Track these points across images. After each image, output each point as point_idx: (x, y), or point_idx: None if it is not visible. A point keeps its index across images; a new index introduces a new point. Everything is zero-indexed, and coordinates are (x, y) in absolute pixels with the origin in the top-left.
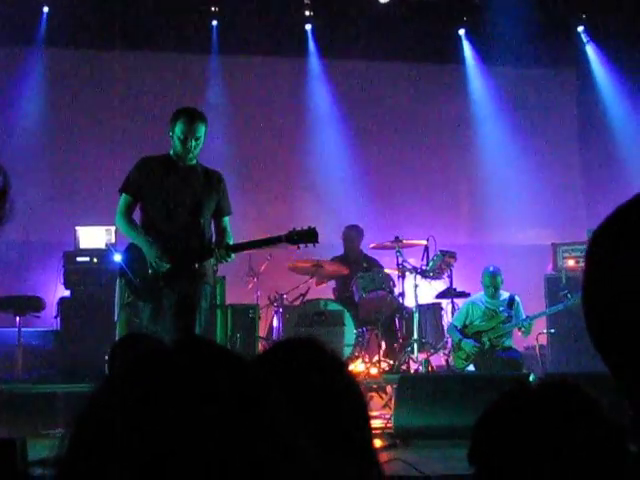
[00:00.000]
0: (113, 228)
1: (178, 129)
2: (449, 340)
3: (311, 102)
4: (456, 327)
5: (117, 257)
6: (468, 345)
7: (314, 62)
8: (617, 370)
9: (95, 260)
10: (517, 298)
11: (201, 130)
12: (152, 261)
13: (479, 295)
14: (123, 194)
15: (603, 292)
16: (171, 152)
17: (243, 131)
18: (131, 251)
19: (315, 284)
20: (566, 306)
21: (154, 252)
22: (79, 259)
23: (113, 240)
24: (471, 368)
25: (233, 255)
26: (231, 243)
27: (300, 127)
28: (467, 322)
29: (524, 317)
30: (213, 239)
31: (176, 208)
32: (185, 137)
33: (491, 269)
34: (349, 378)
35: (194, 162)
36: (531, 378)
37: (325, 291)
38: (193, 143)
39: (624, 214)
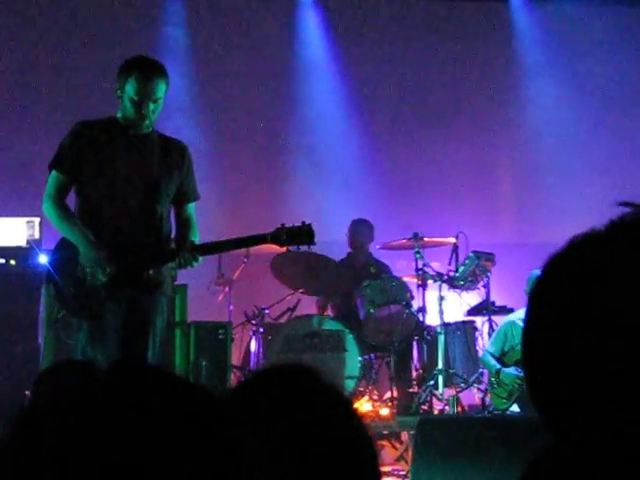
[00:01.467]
0: (37, 220)
1: (130, 88)
2: (486, 371)
3: (303, 50)
4: (492, 355)
5: (43, 258)
6: (509, 377)
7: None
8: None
9: (12, 262)
10: None
11: (161, 89)
12: (90, 265)
13: (521, 312)
14: (53, 171)
15: (545, 336)
16: (119, 115)
17: (215, 89)
18: (63, 250)
19: (317, 308)
20: None
21: (94, 252)
22: None
23: (37, 235)
24: (515, 409)
25: (200, 258)
26: (197, 240)
27: (290, 86)
28: (506, 348)
29: None
30: (172, 234)
31: (125, 191)
32: (140, 99)
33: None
34: (355, 421)
35: (150, 129)
36: None
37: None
38: (151, 106)
39: (572, 254)
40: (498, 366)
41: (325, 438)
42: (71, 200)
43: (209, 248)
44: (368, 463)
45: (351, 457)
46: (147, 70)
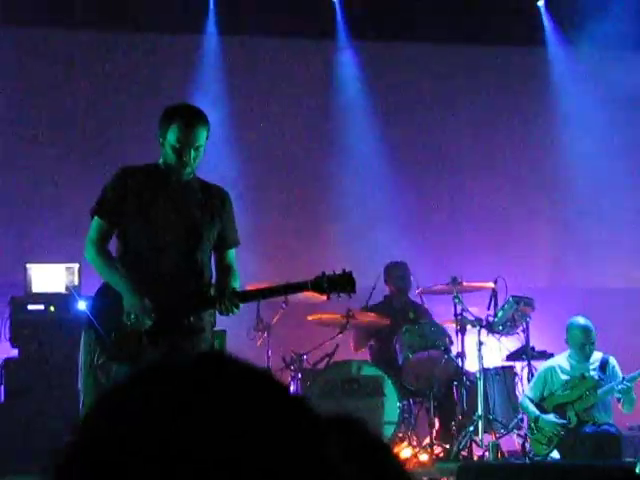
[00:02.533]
0: (76, 266)
1: (172, 135)
2: (525, 416)
3: (341, 98)
4: (532, 400)
5: (82, 305)
6: (548, 423)
7: (344, 46)
8: None
9: (52, 308)
10: (612, 360)
11: (202, 136)
12: (133, 312)
13: (561, 357)
14: (96, 217)
15: None
16: (160, 161)
17: (250, 135)
18: (104, 296)
19: (353, 347)
20: None
21: (137, 300)
22: (30, 307)
23: (76, 282)
24: (556, 455)
25: (242, 305)
26: (237, 287)
27: (327, 132)
28: (546, 393)
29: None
30: (213, 280)
31: (166, 238)
32: (182, 146)
33: (582, 322)
34: (399, 470)
35: (191, 176)
36: (638, 469)
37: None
38: (192, 154)
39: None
40: (537, 413)
41: None
42: (112, 245)
43: (250, 296)
44: None
45: None
46: (189, 118)
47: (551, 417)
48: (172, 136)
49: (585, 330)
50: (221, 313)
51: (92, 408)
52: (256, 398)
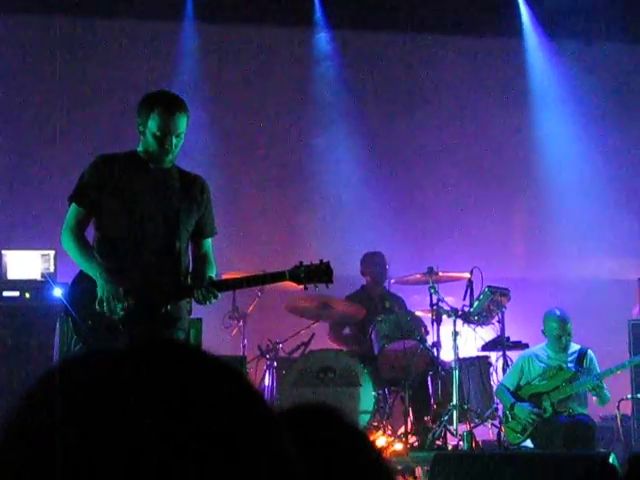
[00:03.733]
0: (52, 253)
1: (153, 123)
2: (500, 406)
3: (318, 88)
4: (507, 389)
5: (58, 292)
6: (523, 411)
7: (323, 35)
8: None
9: (27, 295)
10: (590, 353)
11: (183, 123)
12: (108, 299)
13: (538, 347)
14: (73, 204)
15: None
16: (139, 149)
17: (229, 125)
18: (80, 283)
19: (330, 338)
20: None
21: (109, 287)
22: (5, 294)
23: (52, 269)
24: (529, 444)
25: (219, 295)
26: (214, 276)
27: (304, 122)
28: (522, 382)
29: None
30: (190, 268)
31: (144, 226)
32: (163, 134)
33: (558, 313)
34: (377, 459)
35: (170, 164)
36: (611, 459)
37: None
38: (174, 141)
39: None
40: (512, 400)
41: (347, 476)
42: (90, 233)
43: (227, 285)
44: None
45: None
46: (170, 105)
47: (526, 405)
48: (153, 124)
49: (561, 321)
50: (199, 302)
51: (31, 387)
52: (205, 385)
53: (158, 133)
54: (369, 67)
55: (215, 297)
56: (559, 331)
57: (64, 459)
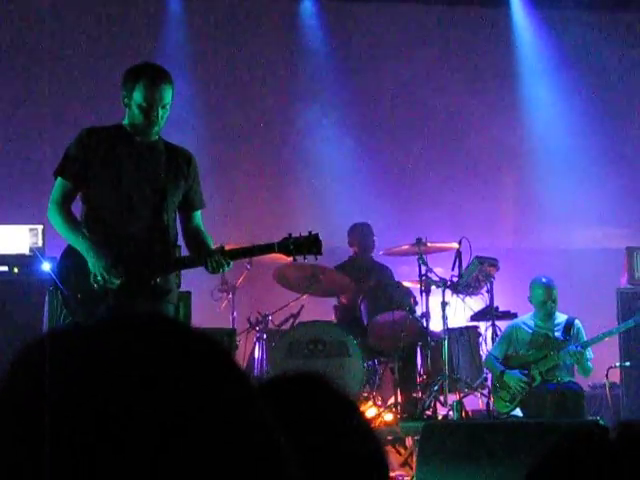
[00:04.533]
0: (40, 227)
1: (138, 94)
2: (489, 376)
3: (304, 59)
4: (496, 358)
5: (46, 266)
6: (513, 379)
7: (309, 3)
8: None
9: (15, 270)
10: (577, 322)
11: (168, 94)
12: (98, 273)
13: (526, 317)
14: (59, 178)
15: None
16: (125, 122)
17: (216, 93)
18: (69, 257)
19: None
20: (638, 322)
21: (101, 261)
22: None
23: (40, 243)
24: (518, 413)
25: (232, 263)
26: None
27: (292, 94)
28: (510, 352)
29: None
30: (178, 241)
31: (131, 199)
32: (149, 105)
33: (544, 280)
34: (367, 428)
35: (157, 137)
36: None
37: (324, 311)
38: (160, 112)
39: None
40: (502, 368)
41: (338, 445)
42: (77, 207)
43: (236, 253)
44: (380, 469)
45: (364, 464)
46: (155, 76)
47: (516, 372)
48: (138, 95)
49: (546, 287)
50: (213, 271)
51: (15, 359)
52: (185, 357)
53: (144, 104)
54: (355, 37)
55: (228, 265)
56: (544, 297)
57: (50, 430)
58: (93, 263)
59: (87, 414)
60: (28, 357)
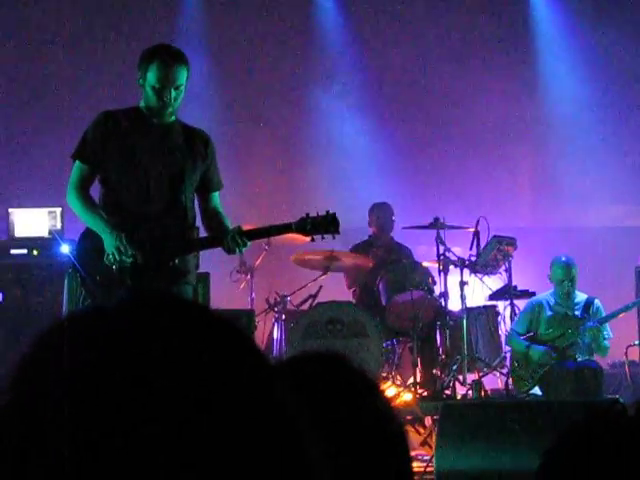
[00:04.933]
0: (59, 210)
1: (151, 76)
2: (508, 355)
3: (322, 38)
4: (519, 334)
5: (65, 248)
6: (538, 353)
7: None
8: None
9: (35, 253)
10: (597, 302)
11: (183, 76)
12: (110, 252)
13: (546, 295)
14: (77, 161)
15: None
16: (142, 104)
17: (233, 80)
18: (86, 240)
19: (348, 286)
20: None
21: (114, 240)
22: (13, 252)
23: (59, 226)
24: (537, 391)
25: (249, 243)
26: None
27: (310, 77)
28: (532, 327)
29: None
30: (197, 222)
31: (149, 181)
32: (162, 86)
33: (563, 259)
34: (387, 408)
35: (173, 118)
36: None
37: (343, 291)
38: (173, 93)
39: None
40: (527, 343)
41: (359, 424)
42: (95, 190)
43: (254, 233)
44: (401, 448)
45: (385, 443)
46: (168, 57)
47: (541, 347)
48: (152, 76)
49: (565, 266)
50: (230, 251)
51: (35, 342)
52: (202, 338)
53: (157, 85)
54: (372, 16)
55: (245, 245)
56: (562, 276)
57: (69, 414)
58: (107, 242)
59: (108, 396)
60: (49, 340)
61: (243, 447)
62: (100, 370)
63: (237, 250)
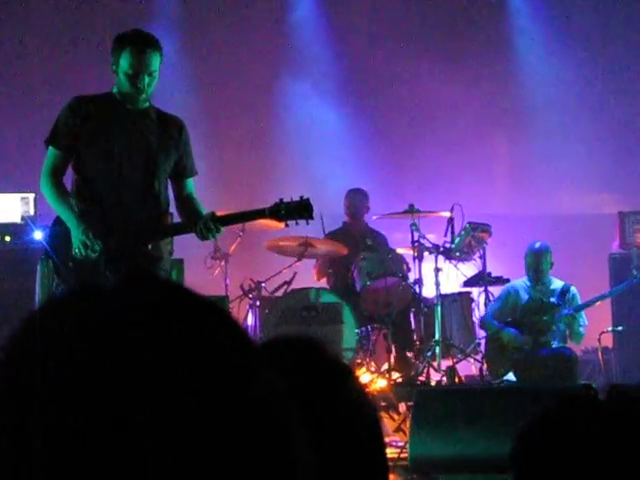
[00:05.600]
0: (31, 196)
1: (124, 62)
2: (482, 341)
3: (297, 22)
4: (492, 317)
5: (38, 234)
6: (509, 335)
7: None
8: None
9: (7, 239)
10: (573, 289)
11: (156, 62)
12: (75, 246)
13: (521, 281)
14: (50, 147)
15: None
16: (115, 90)
17: (207, 61)
18: (59, 226)
19: (316, 275)
20: (631, 285)
21: (81, 235)
22: None
23: (32, 212)
24: (512, 377)
25: (223, 229)
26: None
27: (283, 60)
28: (507, 314)
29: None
30: (170, 208)
31: (122, 166)
32: (135, 72)
33: (537, 245)
34: (361, 393)
35: (147, 104)
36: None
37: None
38: (146, 79)
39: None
40: (499, 326)
41: (333, 409)
42: (69, 176)
43: (227, 219)
44: (375, 433)
45: (358, 428)
46: (141, 43)
47: (513, 330)
48: (125, 62)
49: (534, 254)
50: (203, 237)
51: (15, 331)
52: (190, 321)
53: (130, 71)
54: (346, 8)
55: (218, 231)
56: (531, 263)
57: (53, 403)
58: (74, 236)
59: (87, 382)
60: (42, 322)
61: (234, 429)
62: (97, 353)
63: (210, 236)
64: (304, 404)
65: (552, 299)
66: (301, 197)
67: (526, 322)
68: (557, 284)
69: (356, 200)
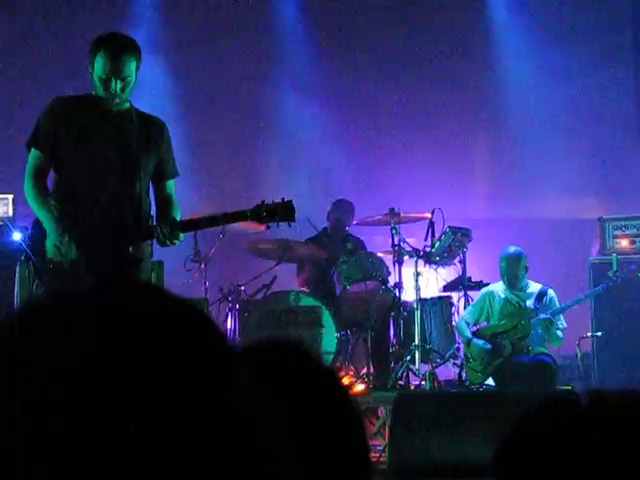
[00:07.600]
0: (10, 197)
1: (98, 65)
2: (462, 346)
3: (280, 30)
4: (468, 324)
5: (17, 236)
6: (476, 347)
7: None
8: None
9: None
10: (551, 292)
11: (130, 67)
12: (49, 250)
13: (498, 284)
14: (32, 149)
15: None
16: (94, 92)
17: (190, 66)
18: (39, 227)
19: (299, 281)
20: (607, 288)
21: (55, 239)
22: None
23: (11, 213)
24: (491, 383)
25: (182, 235)
26: (178, 218)
27: (266, 64)
28: (483, 318)
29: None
30: (152, 211)
31: (103, 168)
32: (107, 77)
33: (511, 250)
34: (344, 394)
35: (127, 105)
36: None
37: (295, 282)
38: (119, 84)
39: None
40: (470, 336)
41: (316, 412)
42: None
43: (189, 225)
44: (359, 437)
45: (342, 431)
46: (115, 48)
47: (481, 342)
48: (98, 66)
49: (508, 259)
50: (160, 243)
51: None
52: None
53: (102, 75)
54: (330, 13)
55: (177, 238)
56: (506, 269)
57: (32, 401)
58: (50, 240)
59: (64, 385)
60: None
61: (209, 432)
62: (75, 356)
63: (168, 243)
64: (289, 406)
65: (529, 303)
66: (283, 199)
67: (502, 327)
68: (534, 288)
69: (343, 214)
